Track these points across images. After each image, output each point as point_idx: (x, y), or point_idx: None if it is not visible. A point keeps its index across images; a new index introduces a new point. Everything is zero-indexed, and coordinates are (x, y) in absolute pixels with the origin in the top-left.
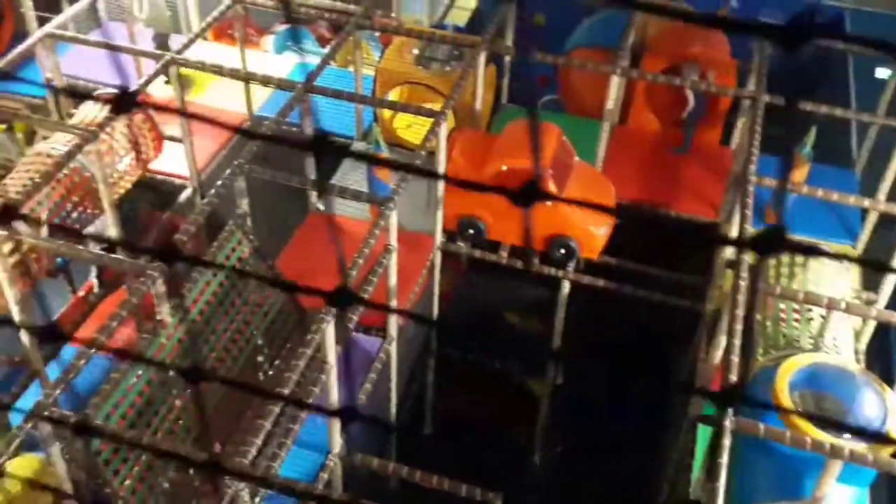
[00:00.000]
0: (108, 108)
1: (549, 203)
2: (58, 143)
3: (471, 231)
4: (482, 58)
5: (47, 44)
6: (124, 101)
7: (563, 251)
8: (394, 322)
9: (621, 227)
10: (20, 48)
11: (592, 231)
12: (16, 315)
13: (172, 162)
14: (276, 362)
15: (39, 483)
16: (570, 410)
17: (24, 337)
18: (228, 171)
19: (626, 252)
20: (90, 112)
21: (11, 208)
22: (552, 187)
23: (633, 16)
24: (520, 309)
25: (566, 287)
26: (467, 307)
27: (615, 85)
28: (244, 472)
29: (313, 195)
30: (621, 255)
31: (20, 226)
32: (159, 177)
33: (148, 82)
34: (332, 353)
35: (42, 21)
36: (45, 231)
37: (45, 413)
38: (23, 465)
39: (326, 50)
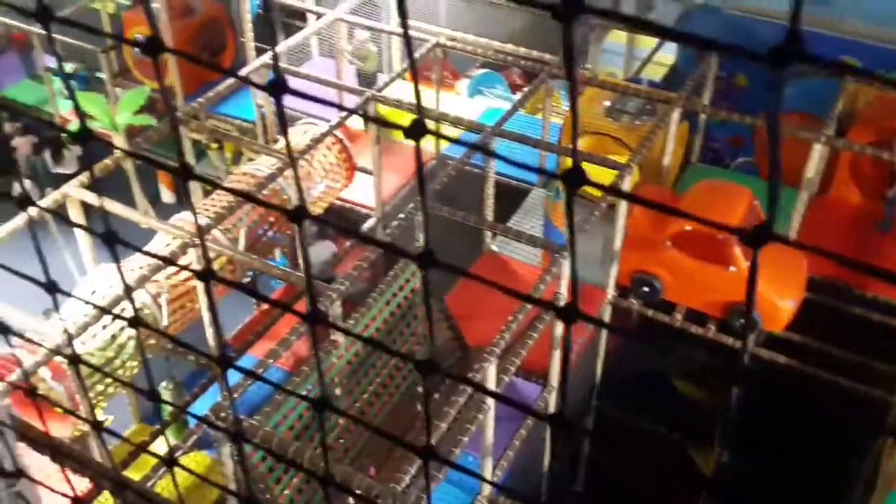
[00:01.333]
0: (309, 136)
1: (732, 268)
2: (261, 164)
3: (645, 289)
4: (676, 114)
5: (261, 73)
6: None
7: (743, 321)
8: (556, 371)
9: (810, 303)
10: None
11: (778, 303)
12: (206, 320)
13: (360, 192)
14: (436, 396)
15: (208, 480)
16: (734, 492)
17: (211, 341)
18: (411, 205)
19: (813, 330)
20: (293, 137)
21: (303, 210)
22: (738, 252)
23: (843, 83)
24: (689, 376)
25: (744, 359)
26: (633, 367)
27: (817, 153)
28: (395, 501)
29: (488, 236)
30: (808, 332)
31: (220, 238)
32: (347, 204)
33: (348, 116)
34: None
35: (259, 52)
36: (241, 245)
37: (216, 417)
38: (195, 460)
39: (517, 96)
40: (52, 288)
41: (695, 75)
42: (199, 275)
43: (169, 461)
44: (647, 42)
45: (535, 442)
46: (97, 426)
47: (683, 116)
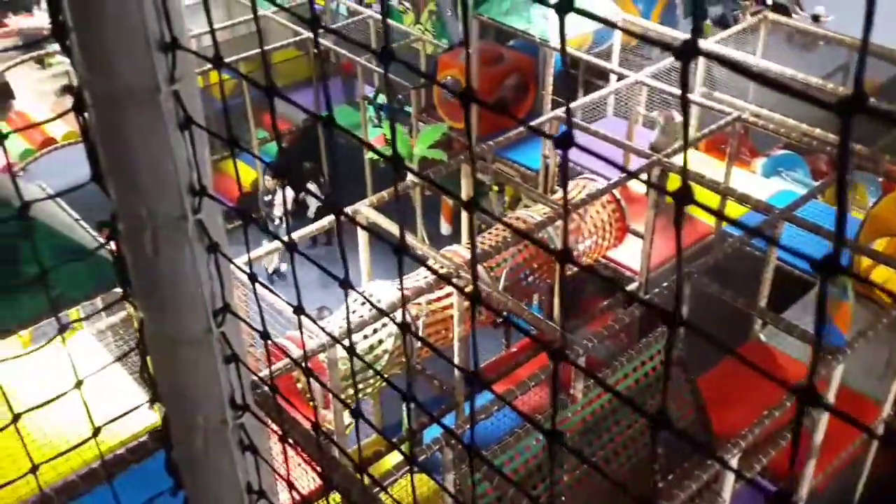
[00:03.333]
0: (587, 191)
1: None
2: (535, 212)
3: None
4: None
5: (554, 125)
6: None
7: None
8: (808, 478)
9: None
10: (532, 123)
11: None
12: (455, 353)
13: (628, 254)
14: (670, 477)
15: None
16: None
17: (456, 372)
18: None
19: None
20: (570, 190)
21: (569, 253)
22: None
23: None
24: None
25: None
26: None
27: None
28: None
29: (758, 323)
30: None
31: (483, 274)
32: (611, 264)
33: (629, 177)
34: (729, 489)
35: (555, 105)
36: (501, 284)
37: (447, 442)
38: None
39: (817, 183)
40: (345, 283)
41: None
42: (467, 295)
43: (410, 461)
44: None
45: None
46: (355, 413)
47: None
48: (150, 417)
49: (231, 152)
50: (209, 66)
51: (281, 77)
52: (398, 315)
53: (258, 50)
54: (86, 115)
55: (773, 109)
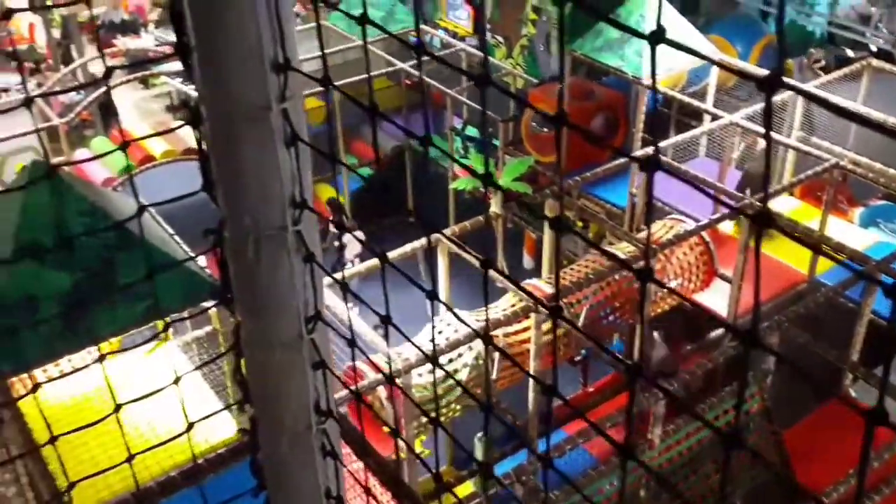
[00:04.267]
0: (674, 231)
1: None
2: (620, 250)
3: None
4: None
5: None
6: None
7: None
8: None
9: None
10: (615, 163)
11: None
12: (530, 389)
13: (714, 298)
14: None
15: None
16: None
17: (531, 406)
18: (766, 323)
19: None
20: (657, 230)
21: (650, 272)
22: None
23: None
24: None
25: None
26: None
27: None
28: None
29: (849, 378)
30: None
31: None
32: (697, 308)
33: (721, 219)
34: None
35: (645, 144)
36: (580, 321)
37: (517, 478)
38: None
39: None
40: (432, 295)
41: None
42: (550, 309)
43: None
44: None
45: None
46: (440, 426)
47: None
48: (228, 430)
49: (332, 169)
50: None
51: None
52: (476, 345)
53: (354, 78)
54: (201, 128)
55: (874, 158)
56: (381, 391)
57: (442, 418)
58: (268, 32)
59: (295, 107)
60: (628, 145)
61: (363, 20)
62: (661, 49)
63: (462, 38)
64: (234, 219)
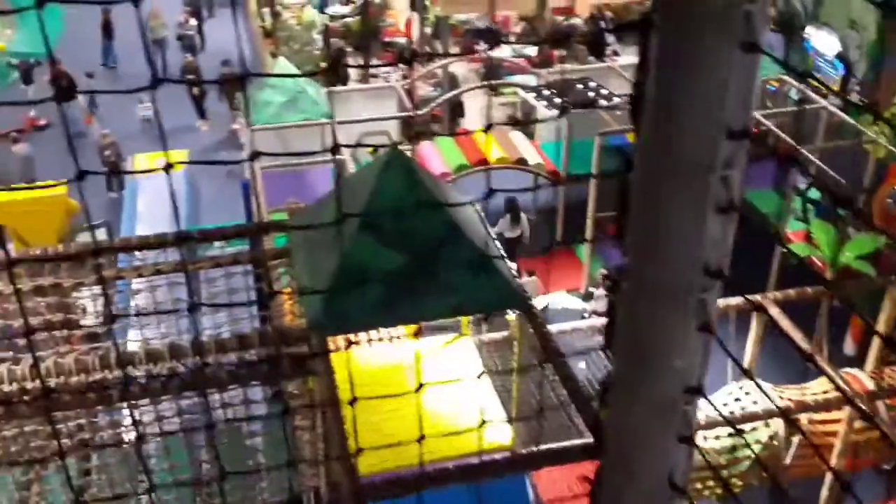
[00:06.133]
0: None
1: None
2: None
3: None
4: None
5: None
6: None
7: None
8: None
9: None
10: None
11: None
12: (825, 485)
13: None
14: None
15: None
16: None
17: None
18: None
19: None
20: None
21: None
22: None
23: None
24: None
25: None
26: None
27: None
28: None
29: None
30: None
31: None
32: None
33: None
34: None
35: None
36: None
37: None
38: None
39: None
40: (737, 361)
41: None
42: (863, 412)
43: None
44: None
45: None
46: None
47: None
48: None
49: None
50: None
51: None
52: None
53: None
54: (629, 175)
55: None
56: None
57: (719, 490)
58: (735, 103)
59: (736, 174)
60: None
61: None
62: None
63: (825, 96)
64: (636, 271)
